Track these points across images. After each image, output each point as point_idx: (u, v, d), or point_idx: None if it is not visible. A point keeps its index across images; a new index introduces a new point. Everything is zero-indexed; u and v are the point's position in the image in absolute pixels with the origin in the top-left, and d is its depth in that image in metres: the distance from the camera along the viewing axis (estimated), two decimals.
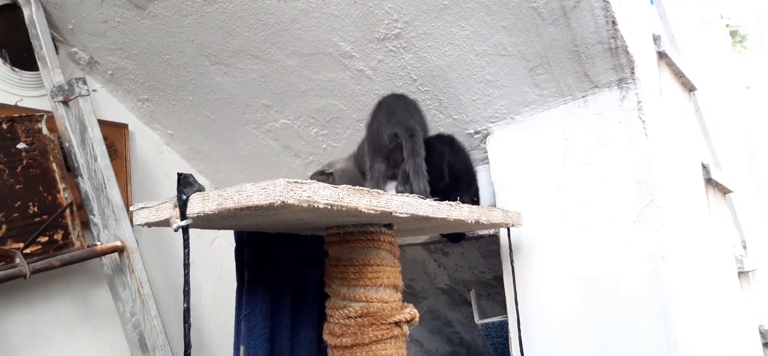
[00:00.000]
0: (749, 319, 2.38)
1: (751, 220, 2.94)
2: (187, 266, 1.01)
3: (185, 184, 1.01)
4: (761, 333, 2.49)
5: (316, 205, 0.92)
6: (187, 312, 1.01)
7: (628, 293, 1.46)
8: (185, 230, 1.01)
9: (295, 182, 0.89)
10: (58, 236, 1.89)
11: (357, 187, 1.01)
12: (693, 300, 1.55)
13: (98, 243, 1.94)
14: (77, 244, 1.91)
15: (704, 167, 1.95)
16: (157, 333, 1.96)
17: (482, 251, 2.41)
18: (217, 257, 2.53)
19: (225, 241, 2.56)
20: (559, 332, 1.60)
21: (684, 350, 1.37)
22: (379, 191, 1.07)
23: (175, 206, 1.02)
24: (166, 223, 1.06)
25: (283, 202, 0.86)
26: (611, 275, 1.49)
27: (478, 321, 2.26)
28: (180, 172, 1.02)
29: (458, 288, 2.69)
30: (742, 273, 2.29)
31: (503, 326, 2.18)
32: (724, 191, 2.24)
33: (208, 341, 2.41)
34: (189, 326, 1.00)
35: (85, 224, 1.99)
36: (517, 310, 1.62)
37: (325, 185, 0.95)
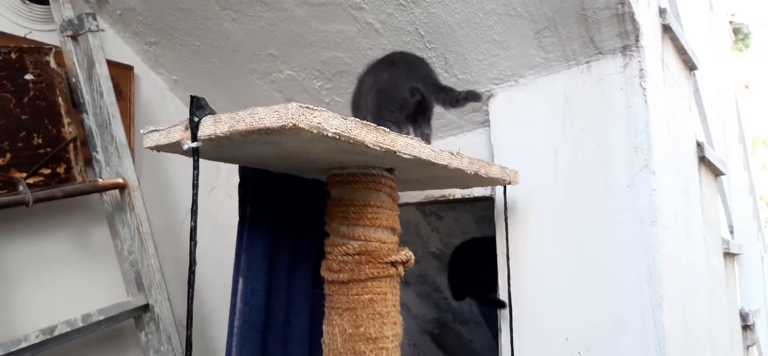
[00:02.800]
0: (732, 300, 2.44)
1: (741, 209, 3.00)
2: (195, 187, 1.04)
3: (197, 106, 1.04)
4: (741, 315, 2.57)
5: (325, 133, 0.95)
6: (193, 231, 1.04)
7: (617, 255, 1.51)
8: (196, 152, 1.04)
9: (307, 108, 0.92)
10: (61, 170, 1.91)
11: (364, 122, 1.04)
12: (678, 266, 1.60)
13: (100, 180, 1.96)
14: (79, 179, 1.94)
15: (699, 144, 1.99)
16: (154, 272, 1.99)
17: (476, 216, 2.45)
18: (214, 207, 2.56)
19: (223, 192, 2.59)
20: (548, 291, 1.65)
21: (667, 310, 1.42)
22: (385, 129, 1.10)
23: (187, 128, 1.04)
24: (176, 147, 1.09)
25: (295, 125, 0.89)
26: (602, 236, 1.53)
27: None
28: (193, 95, 1.04)
29: (449, 252, 2.73)
30: (727, 254, 2.34)
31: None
32: (716, 172, 2.29)
33: (204, 281, 2.45)
34: (195, 244, 1.04)
35: (88, 162, 2.01)
36: (508, 267, 1.66)
37: (335, 114, 0.98)
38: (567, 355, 1.60)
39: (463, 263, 2.43)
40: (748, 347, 2.64)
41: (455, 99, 1.32)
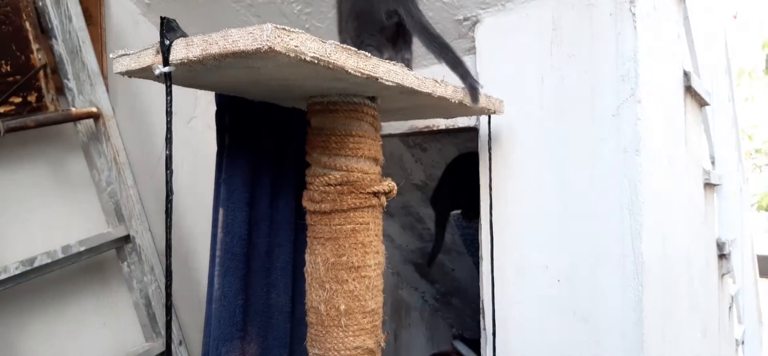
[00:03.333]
0: (710, 230, 2.49)
1: (723, 140, 3.02)
2: (169, 113, 1.01)
3: (168, 29, 0.99)
4: (718, 244, 2.62)
5: (302, 56, 0.91)
6: (169, 160, 1.01)
7: (599, 184, 1.51)
8: (168, 77, 0.99)
9: (283, 29, 0.87)
10: (32, 99, 1.84)
11: (344, 46, 1.00)
12: (660, 196, 1.61)
13: (73, 109, 1.90)
14: (52, 108, 1.87)
15: (686, 74, 1.97)
16: (133, 203, 1.97)
17: (460, 147, 2.44)
18: (193, 137, 2.51)
19: (201, 122, 2.53)
20: (530, 220, 1.65)
21: (647, 239, 1.44)
22: (366, 54, 1.05)
23: (158, 52, 1.00)
24: (148, 72, 1.04)
25: (270, 47, 0.85)
26: (586, 166, 1.53)
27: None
28: (163, 16, 0.99)
29: (433, 184, 2.73)
30: (707, 184, 2.37)
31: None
32: (701, 102, 2.28)
33: (185, 213, 2.43)
34: (171, 173, 1.01)
35: (60, 90, 1.94)
36: (490, 197, 1.66)
37: (313, 37, 0.93)
38: (546, 283, 1.62)
39: (455, 175, 2.42)
40: (723, 275, 2.71)
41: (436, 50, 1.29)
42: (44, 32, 1.90)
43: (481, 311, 1.80)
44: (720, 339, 2.59)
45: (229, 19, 2.13)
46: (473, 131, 1.85)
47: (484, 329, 1.77)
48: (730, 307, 3.05)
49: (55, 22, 1.87)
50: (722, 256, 2.68)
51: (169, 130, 0.99)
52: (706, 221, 2.40)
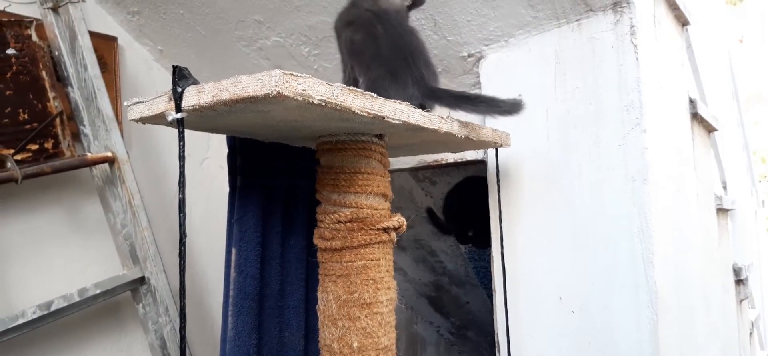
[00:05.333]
0: (725, 255, 2.46)
1: (734, 164, 3.01)
2: (182, 158, 1.03)
3: (180, 77, 1.02)
4: (734, 270, 2.59)
5: (310, 100, 0.93)
6: (182, 203, 1.03)
7: (609, 213, 1.51)
8: (180, 123, 1.02)
9: (291, 74, 0.90)
10: (49, 145, 1.89)
11: (351, 88, 1.03)
12: (670, 223, 1.60)
13: (88, 154, 1.94)
14: (67, 154, 1.92)
15: (691, 101, 1.98)
16: (148, 245, 2.00)
17: None
18: (206, 178, 2.55)
19: (214, 162, 2.57)
20: (541, 251, 1.65)
21: (659, 267, 1.43)
22: (372, 94, 1.08)
23: (170, 99, 1.02)
24: (161, 119, 1.07)
25: (279, 93, 0.88)
26: (594, 196, 1.53)
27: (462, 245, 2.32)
28: (175, 64, 1.02)
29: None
30: (720, 210, 2.35)
31: (486, 250, 2.25)
32: (709, 128, 2.28)
33: (198, 254, 2.45)
34: (184, 216, 1.03)
35: (76, 136, 1.99)
36: (501, 230, 1.66)
37: (320, 81, 0.96)
38: (560, 314, 1.61)
39: (458, 200, 2.52)
40: (741, 301, 2.67)
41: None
42: (60, 80, 1.96)
43: (495, 344, 1.79)
44: None
45: (240, 63, 2.18)
46: (482, 163, 1.87)
47: None
48: (750, 333, 2.99)
49: (70, 70, 1.93)
50: (739, 281, 2.64)
51: (181, 174, 1.01)
52: (721, 247, 2.38)
